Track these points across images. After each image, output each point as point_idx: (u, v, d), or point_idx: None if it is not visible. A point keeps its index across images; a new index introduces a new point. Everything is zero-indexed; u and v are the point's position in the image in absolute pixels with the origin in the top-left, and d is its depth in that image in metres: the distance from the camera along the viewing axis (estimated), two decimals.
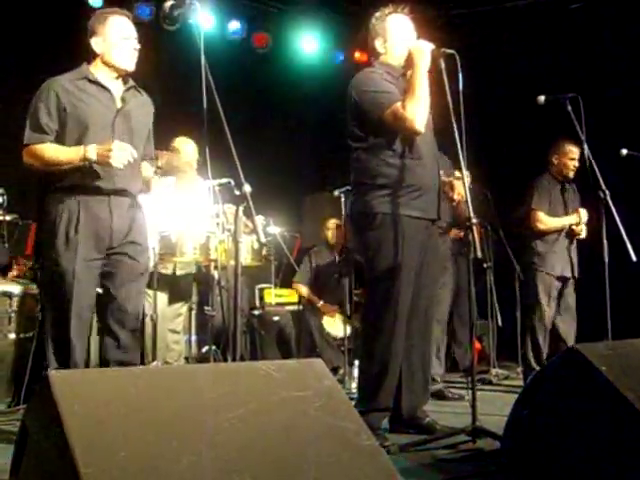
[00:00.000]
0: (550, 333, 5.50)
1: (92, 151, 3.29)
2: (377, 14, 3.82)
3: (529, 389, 2.68)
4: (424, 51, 3.58)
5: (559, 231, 5.52)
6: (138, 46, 3.50)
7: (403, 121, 3.53)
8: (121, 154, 3.27)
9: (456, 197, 3.93)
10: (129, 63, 3.51)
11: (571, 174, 5.58)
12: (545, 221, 5.51)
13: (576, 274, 5.54)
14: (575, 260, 5.56)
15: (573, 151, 5.50)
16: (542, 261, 5.50)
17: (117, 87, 3.55)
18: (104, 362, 3.58)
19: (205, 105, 2.99)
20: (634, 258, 4.18)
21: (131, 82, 3.60)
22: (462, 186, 3.92)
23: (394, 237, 3.57)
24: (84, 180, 3.39)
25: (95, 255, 3.44)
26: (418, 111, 3.52)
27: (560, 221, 5.52)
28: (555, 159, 5.60)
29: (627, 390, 2.34)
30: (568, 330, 5.50)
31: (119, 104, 3.52)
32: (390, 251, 3.58)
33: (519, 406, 2.63)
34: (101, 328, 3.70)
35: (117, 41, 3.48)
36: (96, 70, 3.52)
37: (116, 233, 3.46)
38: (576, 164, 5.53)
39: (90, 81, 3.49)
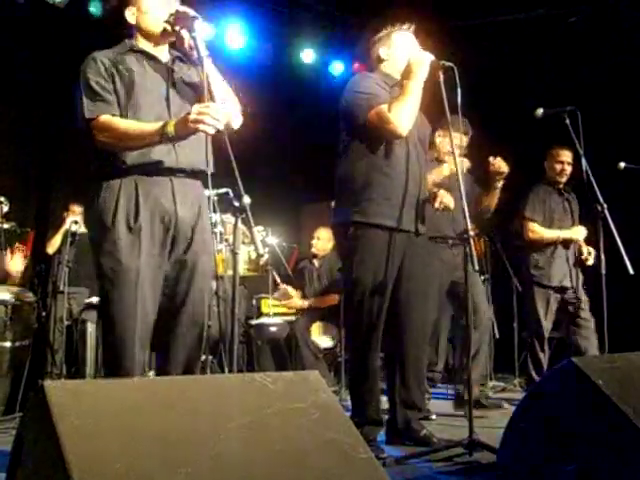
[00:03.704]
0: (569, 349, 5.42)
1: (172, 125, 2.83)
2: (386, 26, 3.85)
3: (526, 402, 2.67)
4: (423, 62, 3.59)
5: (556, 242, 5.49)
6: (179, 8, 3.03)
7: (387, 123, 3.52)
8: (217, 115, 2.78)
9: (437, 206, 3.94)
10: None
11: (561, 178, 5.54)
12: (537, 231, 5.47)
13: (577, 284, 5.47)
14: (575, 270, 5.48)
15: (561, 154, 5.48)
16: (540, 273, 5.46)
17: (163, 57, 3.15)
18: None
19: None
20: (631, 271, 4.18)
21: (175, 52, 3.19)
22: (447, 196, 3.97)
23: (367, 247, 3.57)
24: (143, 158, 2.93)
25: (159, 250, 2.97)
26: (404, 115, 3.52)
27: (554, 233, 5.47)
28: (546, 165, 5.61)
29: (624, 404, 2.34)
30: (588, 346, 5.36)
31: (169, 73, 3.10)
32: (362, 261, 3.58)
33: (516, 419, 2.63)
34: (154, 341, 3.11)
35: (151, 6, 3.09)
36: (138, 43, 3.13)
37: (181, 224, 3.00)
38: (565, 168, 5.51)
39: (135, 51, 3.09)
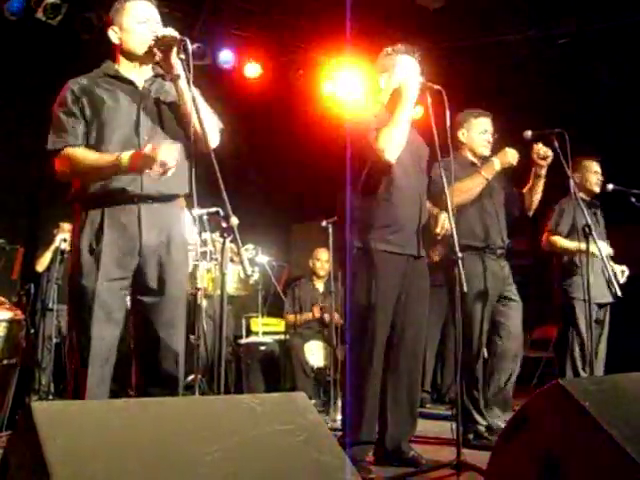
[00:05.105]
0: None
1: (126, 159, 2.88)
2: (387, 50, 3.86)
3: (513, 424, 2.68)
4: (412, 85, 3.61)
5: (584, 253, 5.17)
6: (159, 30, 3.04)
7: (373, 151, 3.56)
8: (169, 157, 2.84)
9: (438, 231, 3.92)
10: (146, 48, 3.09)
11: (596, 188, 5.29)
12: (554, 242, 5.24)
13: (611, 298, 5.13)
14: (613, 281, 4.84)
15: (595, 164, 5.30)
16: (575, 287, 5.16)
17: (144, 76, 3.16)
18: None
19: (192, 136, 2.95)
20: (619, 294, 4.20)
21: (158, 70, 3.19)
22: (447, 220, 3.95)
23: (369, 271, 3.61)
24: (108, 185, 2.97)
25: (121, 274, 2.99)
26: (389, 142, 3.55)
27: (573, 244, 5.11)
28: (577, 177, 5.16)
29: (611, 426, 2.34)
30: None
31: (142, 96, 3.11)
32: (365, 285, 3.61)
33: (503, 441, 2.63)
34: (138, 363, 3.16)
35: (133, 27, 3.09)
36: (119, 64, 3.15)
37: (147, 251, 3.01)
38: (600, 177, 5.29)
39: (110, 76, 3.11)
